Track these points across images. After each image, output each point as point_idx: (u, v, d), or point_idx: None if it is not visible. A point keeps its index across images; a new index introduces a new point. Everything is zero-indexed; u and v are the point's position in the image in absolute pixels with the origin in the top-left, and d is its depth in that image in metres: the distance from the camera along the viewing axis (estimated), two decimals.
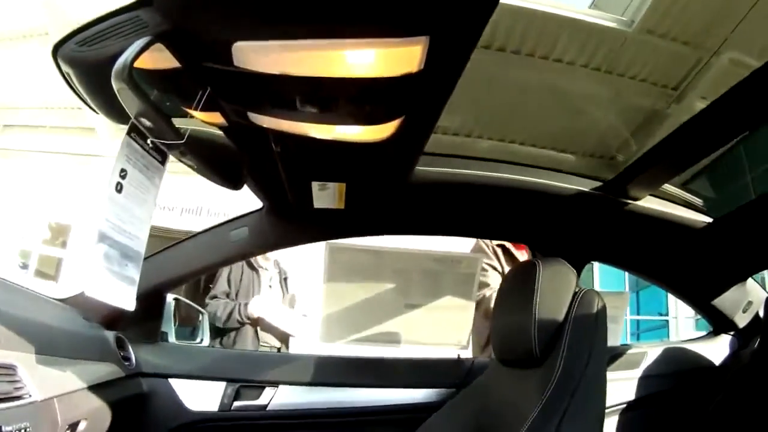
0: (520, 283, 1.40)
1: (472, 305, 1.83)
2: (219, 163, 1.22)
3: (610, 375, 1.95)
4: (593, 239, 1.89)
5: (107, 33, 0.84)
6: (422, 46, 0.78)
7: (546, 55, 1.83)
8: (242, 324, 2.97)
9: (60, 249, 7.28)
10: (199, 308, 3.01)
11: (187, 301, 2.92)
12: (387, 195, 1.58)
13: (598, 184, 1.72)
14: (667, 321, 8.51)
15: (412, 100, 0.96)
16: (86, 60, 0.87)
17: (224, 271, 3.08)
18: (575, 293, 1.33)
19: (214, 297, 3.05)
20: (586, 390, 1.22)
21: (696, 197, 1.89)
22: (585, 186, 1.71)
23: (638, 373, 2.01)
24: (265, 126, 1.06)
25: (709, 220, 1.81)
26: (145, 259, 1.60)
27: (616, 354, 1.98)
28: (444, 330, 1.85)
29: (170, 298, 1.95)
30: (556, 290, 1.34)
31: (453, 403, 1.61)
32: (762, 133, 2.78)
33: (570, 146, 2.00)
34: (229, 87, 0.91)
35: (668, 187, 1.76)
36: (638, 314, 9.92)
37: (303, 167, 1.34)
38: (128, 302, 1.04)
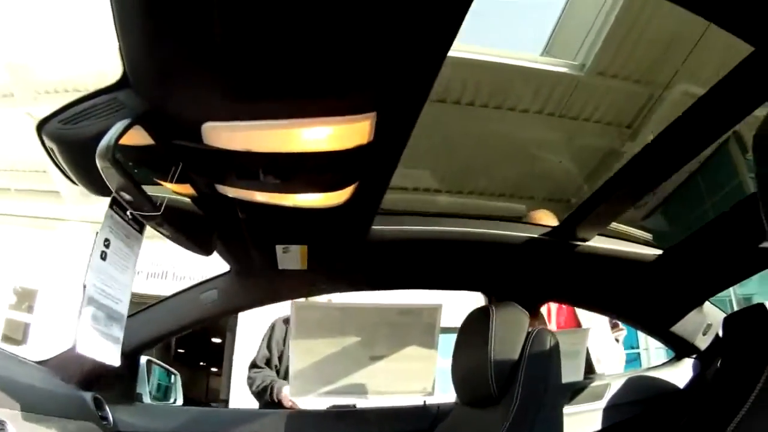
0: (475, 328, 1.44)
1: (435, 353, 1.88)
2: (191, 231, 1.28)
3: (574, 408, 1.94)
4: (546, 281, 1.94)
5: (88, 113, 0.90)
6: (371, 121, 0.86)
7: (500, 104, 1.81)
8: (278, 404, 2.57)
9: (26, 313, 7.23)
10: (172, 370, 2.94)
11: (161, 363, 2.85)
12: (347, 254, 1.63)
13: (547, 229, 1.77)
14: (639, 354, 8.75)
15: (364, 167, 1.04)
16: (68, 137, 0.93)
17: (265, 336, 2.84)
18: (528, 333, 1.38)
19: (254, 366, 2.72)
20: (543, 422, 1.27)
21: (646, 232, 1.93)
22: (537, 232, 1.74)
23: (602, 404, 1.99)
24: (231, 196, 1.14)
25: (659, 252, 1.85)
26: None
27: (579, 388, 1.99)
28: (409, 379, 1.87)
29: (143, 360, 1.93)
30: (509, 332, 1.39)
31: None
32: (715, 163, 2.88)
33: (528, 192, 1.99)
34: (198, 162, 0.99)
35: (617, 226, 1.80)
36: None
37: (267, 232, 1.42)
38: (114, 359, 1.09)
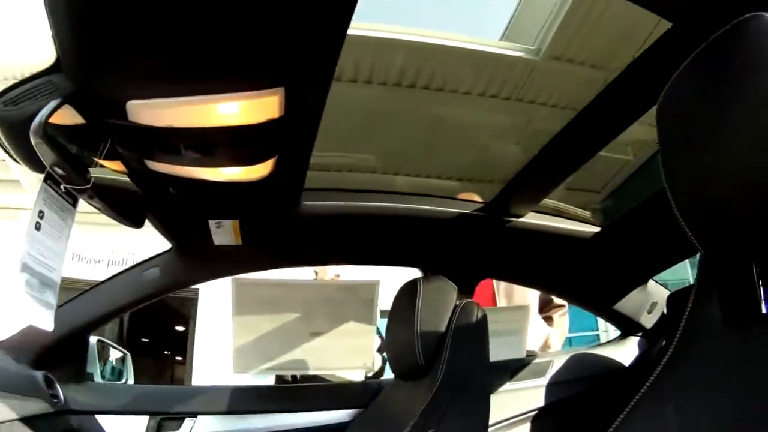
0: (404, 302, 1.50)
1: (373, 329, 1.94)
2: (121, 205, 1.36)
3: (516, 385, 1.99)
4: (482, 258, 1.98)
5: (27, 94, 0.97)
6: (279, 96, 0.93)
7: (455, 89, 1.84)
8: None
9: None
10: (123, 350, 2.98)
11: (111, 343, 2.90)
12: (279, 229, 1.70)
13: (481, 205, 1.80)
14: (598, 335, 8.70)
15: (280, 141, 1.11)
16: (9, 118, 1.00)
17: None
18: (456, 306, 1.44)
19: None
20: (468, 392, 1.32)
21: (584, 210, 1.96)
22: (469, 208, 1.78)
23: (545, 380, 2.04)
24: (161, 171, 1.21)
25: (596, 229, 1.87)
26: (65, 303, 1.74)
27: (521, 364, 2.03)
28: (350, 354, 1.94)
29: (94, 340, 1.98)
30: (436, 304, 1.44)
31: (360, 420, 1.77)
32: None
33: (486, 176, 2.04)
34: (125, 139, 1.07)
35: (552, 202, 1.82)
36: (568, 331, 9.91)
37: (199, 207, 1.49)
38: (48, 323, 1.17)
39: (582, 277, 2.05)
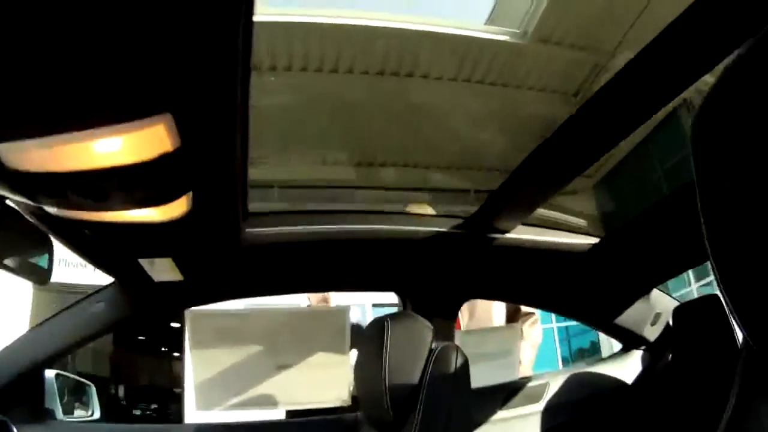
0: (370, 345, 1.31)
1: (347, 359, 1.73)
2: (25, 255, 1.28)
3: (510, 412, 1.79)
4: (465, 278, 1.77)
5: None
6: (167, 125, 0.76)
7: (440, 75, 1.80)
8: None
9: None
10: (86, 381, 2.88)
11: (72, 375, 2.83)
12: (223, 262, 1.53)
13: (460, 221, 1.59)
14: (599, 345, 8.36)
15: (187, 175, 0.93)
16: None
17: None
18: (431, 350, 1.25)
19: None
20: None
21: (579, 218, 1.86)
22: (447, 225, 1.56)
23: (541, 405, 1.87)
24: (66, 216, 1.05)
25: (593, 240, 1.71)
26: (14, 342, 1.64)
27: (514, 389, 1.85)
28: (322, 387, 1.75)
29: (52, 374, 1.91)
30: (407, 349, 1.26)
31: None
32: (665, 131, 2.82)
33: (473, 164, 2.01)
34: (10, 185, 0.91)
35: (543, 212, 1.67)
36: (565, 320, 9.48)
37: (121, 248, 1.32)
38: None
39: (580, 292, 1.91)
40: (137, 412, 10.98)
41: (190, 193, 1.00)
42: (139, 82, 0.68)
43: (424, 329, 1.30)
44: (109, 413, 10.22)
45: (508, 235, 1.57)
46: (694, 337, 1.64)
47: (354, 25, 1.66)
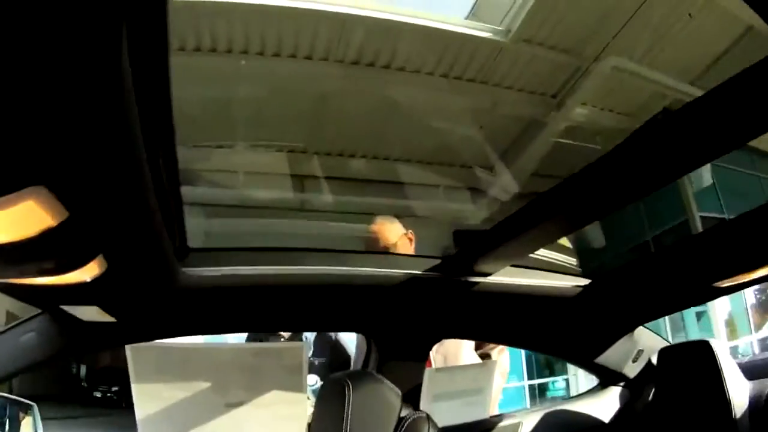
0: (329, 405, 1.18)
1: (304, 397, 1.61)
2: None
3: None
4: (439, 319, 1.61)
5: None
6: (43, 198, 0.64)
7: (418, 69, 1.75)
8: None
9: None
10: (28, 402, 2.69)
11: (12, 396, 2.66)
12: (158, 304, 1.39)
13: (436, 262, 1.41)
14: (567, 379, 8.15)
15: (91, 241, 0.80)
16: None
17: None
18: (400, 419, 1.12)
19: None
20: None
21: (569, 257, 1.80)
22: (420, 266, 1.39)
23: None
24: None
25: (580, 282, 1.60)
26: None
27: (484, 429, 1.73)
28: (277, 428, 1.63)
29: None
30: (371, 417, 1.12)
31: None
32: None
33: (446, 159, 1.97)
34: None
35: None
36: (536, 378, 8.89)
37: (37, 300, 1.20)
38: None
39: (563, 333, 1.80)
40: (98, 395, 10.73)
41: (100, 256, 0.87)
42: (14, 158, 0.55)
43: (391, 395, 1.16)
44: (70, 394, 10.02)
45: (488, 278, 1.44)
46: (680, 380, 1.59)
47: (332, 12, 1.60)
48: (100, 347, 1.61)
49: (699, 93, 0.79)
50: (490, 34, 1.79)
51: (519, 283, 1.46)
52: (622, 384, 1.90)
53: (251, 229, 2.07)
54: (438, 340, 1.66)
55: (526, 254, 1.29)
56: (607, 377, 1.94)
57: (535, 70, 1.87)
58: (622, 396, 1.90)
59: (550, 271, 1.51)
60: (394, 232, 1.75)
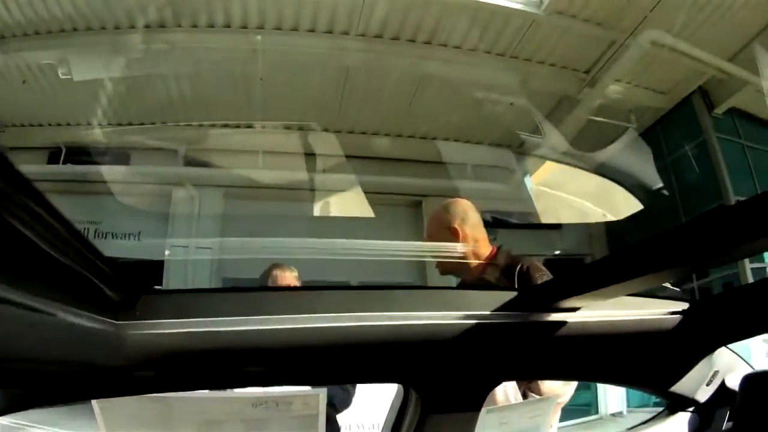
0: None
1: None
2: None
3: None
4: (501, 361, 1.43)
5: None
6: None
7: (444, 42, 1.69)
8: None
9: None
10: None
11: None
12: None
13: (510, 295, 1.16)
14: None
15: None
16: None
17: None
18: None
19: None
20: None
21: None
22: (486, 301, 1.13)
23: None
24: None
25: (676, 307, 1.45)
26: None
27: None
28: None
29: None
30: None
31: None
32: (676, 118, 2.69)
33: (474, 136, 1.90)
34: None
35: None
36: None
37: None
38: None
39: (645, 363, 1.65)
40: None
41: None
42: None
43: None
44: None
45: (573, 314, 1.23)
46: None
47: None
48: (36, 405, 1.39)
49: (736, 71, 0.72)
50: (522, 6, 1.72)
51: (609, 319, 1.29)
52: (691, 409, 1.78)
53: (266, 211, 2.03)
54: (497, 384, 1.49)
55: (630, 292, 1.13)
56: (676, 402, 1.83)
57: (568, 44, 1.80)
58: (691, 423, 1.78)
59: (637, 295, 1.35)
60: (436, 224, 1.56)
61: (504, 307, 1.08)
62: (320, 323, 0.87)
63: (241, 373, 1.04)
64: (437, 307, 0.99)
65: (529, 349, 1.31)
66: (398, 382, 1.28)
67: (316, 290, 0.93)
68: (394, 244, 1.41)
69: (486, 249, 1.12)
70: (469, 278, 1.15)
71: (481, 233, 1.16)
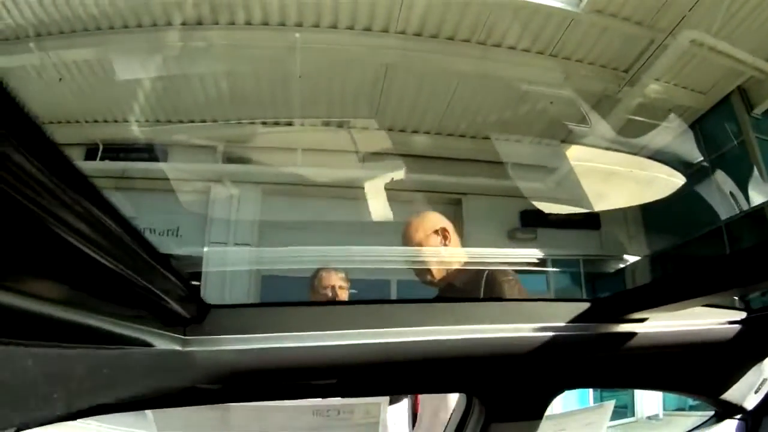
0: None
1: None
2: None
3: None
4: (564, 370, 1.44)
5: None
6: None
7: (483, 40, 1.69)
8: None
9: None
10: None
11: None
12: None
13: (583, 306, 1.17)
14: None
15: None
16: None
17: None
18: None
19: None
20: None
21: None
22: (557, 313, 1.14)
23: None
24: None
25: (736, 316, 1.41)
26: None
27: None
28: None
29: None
30: None
31: None
32: (715, 118, 2.64)
33: (515, 134, 1.90)
34: None
35: None
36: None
37: None
38: None
39: (701, 370, 1.63)
40: None
41: None
42: None
43: None
44: None
45: (640, 325, 1.22)
46: None
47: None
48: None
49: None
50: (561, 4, 1.71)
51: (673, 330, 1.27)
52: (738, 416, 1.74)
53: (307, 209, 2.05)
54: (559, 392, 1.49)
55: (702, 305, 1.12)
56: (725, 409, 1.79)
57: (606, 43, 1.78)
58: (739, 429, 1.75)
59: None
60: (421, 230, 1.50)
61: (577, 319, 1.06)
62: (391, 338, 0.85)
63: (308, 386, 1.04)
64: (507, 319, 0.98)
65: (595, 358, 1.28)
66: (463, 392, 1.25)
67: (384, 303, 0.91)
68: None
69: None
70: (440, 285, 1.17)
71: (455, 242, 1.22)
